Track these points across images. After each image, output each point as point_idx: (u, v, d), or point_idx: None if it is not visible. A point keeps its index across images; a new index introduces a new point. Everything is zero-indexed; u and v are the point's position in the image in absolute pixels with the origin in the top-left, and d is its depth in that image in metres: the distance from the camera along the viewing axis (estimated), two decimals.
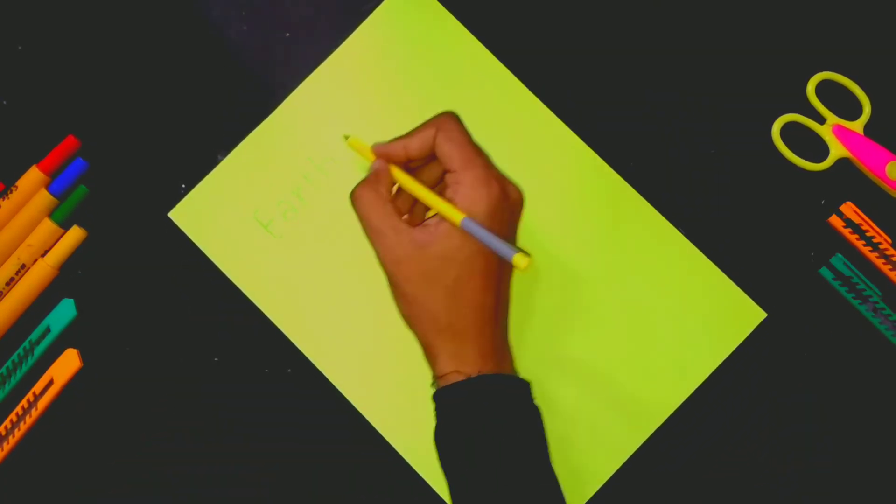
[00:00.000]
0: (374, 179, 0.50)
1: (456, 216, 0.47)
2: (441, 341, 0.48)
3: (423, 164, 0.51)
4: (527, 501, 0.47)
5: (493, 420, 0.47)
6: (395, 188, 0.51)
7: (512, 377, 0.50)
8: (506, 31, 0.59)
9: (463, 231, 0.47)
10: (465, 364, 0.48)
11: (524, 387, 0.50)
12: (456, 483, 0.48)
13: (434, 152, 0.49)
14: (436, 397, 0.49)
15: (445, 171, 0.49)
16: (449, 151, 0.48)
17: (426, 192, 0.49)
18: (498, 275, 0.49)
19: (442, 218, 0.48)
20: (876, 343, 0.57)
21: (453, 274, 0.47)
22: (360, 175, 0.57)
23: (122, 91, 0.59)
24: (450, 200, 0.48)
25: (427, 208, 0.52)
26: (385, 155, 0.50)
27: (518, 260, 0.44)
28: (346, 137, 0.54)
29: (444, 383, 0.48)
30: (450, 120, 0.49)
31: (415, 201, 0.52)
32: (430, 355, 0.49)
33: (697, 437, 0.56)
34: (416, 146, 0.49)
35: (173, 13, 0.60)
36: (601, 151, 0.59)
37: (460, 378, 0.48)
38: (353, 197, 0.50)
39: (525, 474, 0.48)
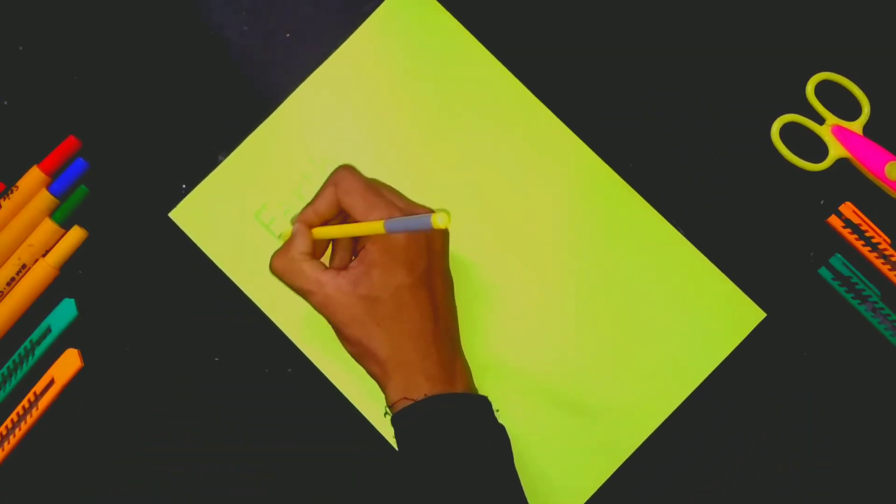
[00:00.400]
0: (288, 245, 0.51)
1: (377, 227, 0.46)
2: (387, 374, 0.49)
3: (342, 219, 0.52)
4: None
5: (445, 437, 0.48)
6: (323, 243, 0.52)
7: (463, 395, 0.50)
8: (505, 32, 0.59)
9: (383, 269, 0.48)
10: (413, 391, 0.49)
11: (479, 402, 0.50)
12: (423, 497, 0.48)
13: (340, 208, 0.50)
14: (393, 422, 0.50)
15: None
16: (350, 204, 0.49)
17: (344, 228, 0.50)
18: (430, 301, 0.50)
19: (361, 262, 0.49)
20: (875, 343, 0.57)
21: (382, 311, 0.48)
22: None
23: (122, 91, 0.59)
24: (366, 247, 0.49)
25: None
26: (303, 222, 0.51)
27: (436, 220, 0.42)
28: (279, 235, 0.57)
29: (395, 410, 0.49)
30: (343, 173, 0.50)
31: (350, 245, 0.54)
32: (381, 386, 0.50)
33: (697, 437, 0.57)
34: (323, 206, 0.51)
35: (174, 14, 0.60)
36: (601, 151, 0.59)
37: (408, 404, 0.49)
38: (271, 268, 0.51)
39: (485, 490, 0.48)
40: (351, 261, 0.52)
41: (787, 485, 0.56)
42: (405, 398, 0.49)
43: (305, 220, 0.51)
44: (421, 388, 0.49)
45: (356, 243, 0.54)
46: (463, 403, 0.50)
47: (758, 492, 0.56)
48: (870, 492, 0.56)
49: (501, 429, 0.50)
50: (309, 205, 0.51)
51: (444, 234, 0.51)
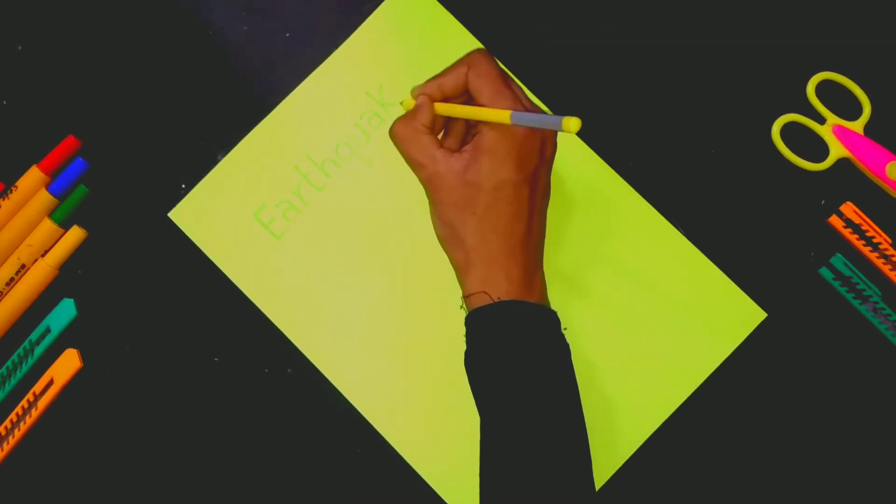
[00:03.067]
0: (411, 115, 0.51)
1: (503, 116, 0.47)
2: (470, 263, 0.50)
3: (461, 101, 0.52)
4: (553, 434, 0.47)
5: (517, 347, 0.48)
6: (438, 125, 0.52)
7: (537, 305, 0.50)
8: (505, 32, 0.59)
9: (493, 158, 0.48)
10: (492, 287, 0.49)
11: (549, 316, 0.50)
12: (485, 409, 0.49)
13: (467, 88, 0.50)
14: (467, 321, 0.50)
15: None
16: (479, 87, 0.49)
17: (469, 109, 0.50)
18: (529, 204, 0.50)
19: (475, 147, 0.49)
20: (876, 343, 0.57)
21: (483, 201, 0.49)
22: (362, 175, 0.57)
23: (122, 91, 0.59)
24: (482, 133, 0.49)
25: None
26: (426, 95, 0.52)
27: (567, 124, 0.43)
28: (402, 103, 0.56)
29: (470, 304, 0.50)
30: (481, 56, 0.50)
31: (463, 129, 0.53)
32: (460, 276, 0.51)
33: (698, 437, 0.56)
34: (449, 84, 0.51)
35: (173, 13, 0.60)
36: (601, 151, 0.59)
37: (485, 300, 0.49)
38: (391, 133, 0.51)
39: (552, 405, 0.48)
40: (462, 146, 0.52)
41: (787, 485, 0.56)
42: (483, 292, 0.49)
43: (427, 94, 0.51)
44: (500, 285, 0.49)
45: (468, 132, 0.53)
46: (536, 314, 0.50)
47: (758, 492, 0.56)
48: (870, 492, 0.56)
49: (566, 345, 0.50)
50: (435, 78, 0.51)
51: (554, 146, 0.51)
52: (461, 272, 0.50)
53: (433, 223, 0.51)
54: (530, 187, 0.49)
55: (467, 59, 0.50)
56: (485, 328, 0.49)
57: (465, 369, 0.50)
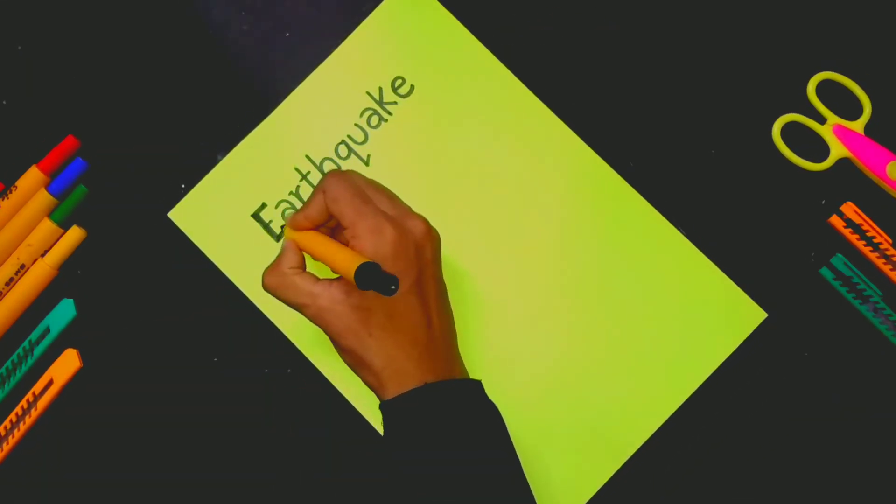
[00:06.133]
0: (277, 262, 0.50)
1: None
2: (382, 384, 0.49)
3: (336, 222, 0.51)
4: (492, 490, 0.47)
5: (444, 421, 0.47)
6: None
7: (460, 380, 0.50)
8: (505, 31, 0.59)
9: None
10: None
11: (474, 386, 0.50)
12: (413, 490, 0.48)
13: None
14: (382, 407, 0.49)
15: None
16: (338, 211, 0.48)
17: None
18: (422, 309, 0.49)
19: None
20: (876, 343, 0.57)
21: (375, 321, 0.48)
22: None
23: (121, 91, 0.59)
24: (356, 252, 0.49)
25: None
26: (294, 227, 0.51)
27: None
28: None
29: None
30: (332, 180, 0.49)
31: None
32: (378, 395, 0.50)
33: (698, 437, 0.56)
34: (313, 212, 0.50)
35: (173, 13, 0.60)
36: (601, 151, 0.59)
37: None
38: (264, 286, 0.50)
39: (485, 464, 0.47)
40: None
41: (787, 485, 0.56)
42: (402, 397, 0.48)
43: (297, 226, 0.51)
44: (418, 384, 0.48)
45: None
46: (460, 387, 0.49)
47: (758, 491, 0.56)
48: (870, 492, 0.56)
49: (493, 407, 0.50)
50: (300, 210, 0.51)
51: (434, 242, 0.50)
52: (377, 392, 0.50)
53: (339, 354, 0.50)
54: (418, 294, 0.49)
55: (321, 186, 0.49)
56: (402, 412, 0.48)
57: (386, 456, 0.49)
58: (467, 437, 0.48)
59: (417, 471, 0.47)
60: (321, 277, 0.49)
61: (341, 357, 0.51)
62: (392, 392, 0.48)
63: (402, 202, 0.51)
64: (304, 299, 0.49)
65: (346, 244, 0.49)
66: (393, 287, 0.44)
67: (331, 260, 0.48)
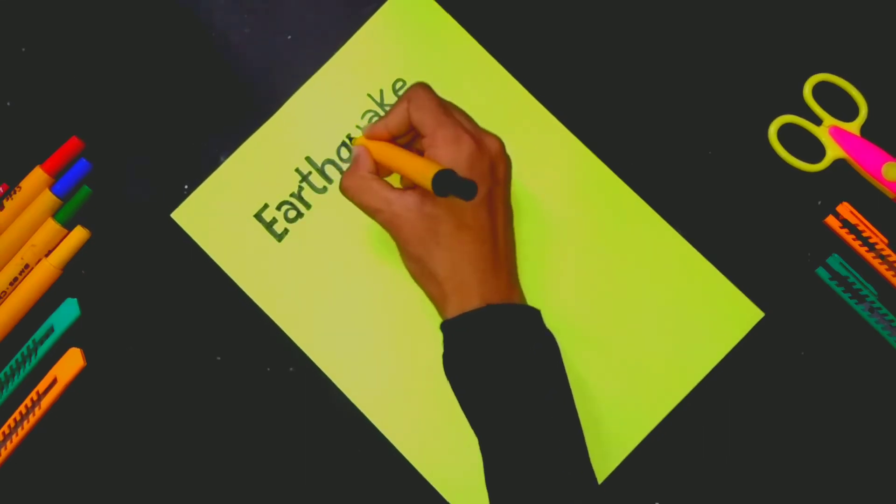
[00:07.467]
0: (354, 166, 0.52)
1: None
2: (445, 295, 0.50)
3: (413, 136, 0.52)
4: (545, 429, 0.48)
5: (504, 345, 0.48)
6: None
7: (520, 306, 0.50)
8: (505, 34, 0.60)
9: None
10: (472, 308, 0.49)
11: (534, 314, 0.51)
12: (472, 410, 0.49)
13: (412, 124, 0.51)
14: (443, 327, 0.50)
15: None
16: (420, 119, 0.50)
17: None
18: (490, 225, 0.50)
19: None
20: (872, 343, 0.57)
21: (444, 230, 0.49)
22: None
23: (125, 92, 0.60)
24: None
25: None
26: (371, 136, 0.52)
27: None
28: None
29: None
30: (418, 89, 0.51)
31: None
32: (438, 308, 0.51)
33: (695, 436, 0.57)
34: (394, 122, 0.51)
35: (176, 16, 0.61)
36: (599, 151, 0.59)
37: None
38: (342, 189, 0.52)
39: (543, 402, 0.48)
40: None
41: (785, 485, 0.56)
42: (464, 315, 0.49)
43: (376, 134, 0.52)
44: (480, 306, 0.49)
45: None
46: (520, 313, 0.50)
47: (756, 491, 0.56)
48: (869, 492, 0.56)
49: (551, 337, 0.51)
50: (381, 119, 0.52)
51: (507, 163, 0.51)
52: (438, 304, 0.51)
53: (404, 263, 0.51)
54: (488, 209, 0.50)
55: (407, 95, 0.51)
56: (463, 332, 0.49)
57: (446, 375, 0.49)
58: (526, 365, 0.48)
59: (474, 393, 0.48)
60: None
61: (407, 267, 0.51)
62: (453, 307, 0.49)
63: (476, 124, 0.51)
64: (380, 204, 0.50)
65: (422, 154, 0.49)
66: (472, 192, 0.44)
67: (408, 167, 0.48)
